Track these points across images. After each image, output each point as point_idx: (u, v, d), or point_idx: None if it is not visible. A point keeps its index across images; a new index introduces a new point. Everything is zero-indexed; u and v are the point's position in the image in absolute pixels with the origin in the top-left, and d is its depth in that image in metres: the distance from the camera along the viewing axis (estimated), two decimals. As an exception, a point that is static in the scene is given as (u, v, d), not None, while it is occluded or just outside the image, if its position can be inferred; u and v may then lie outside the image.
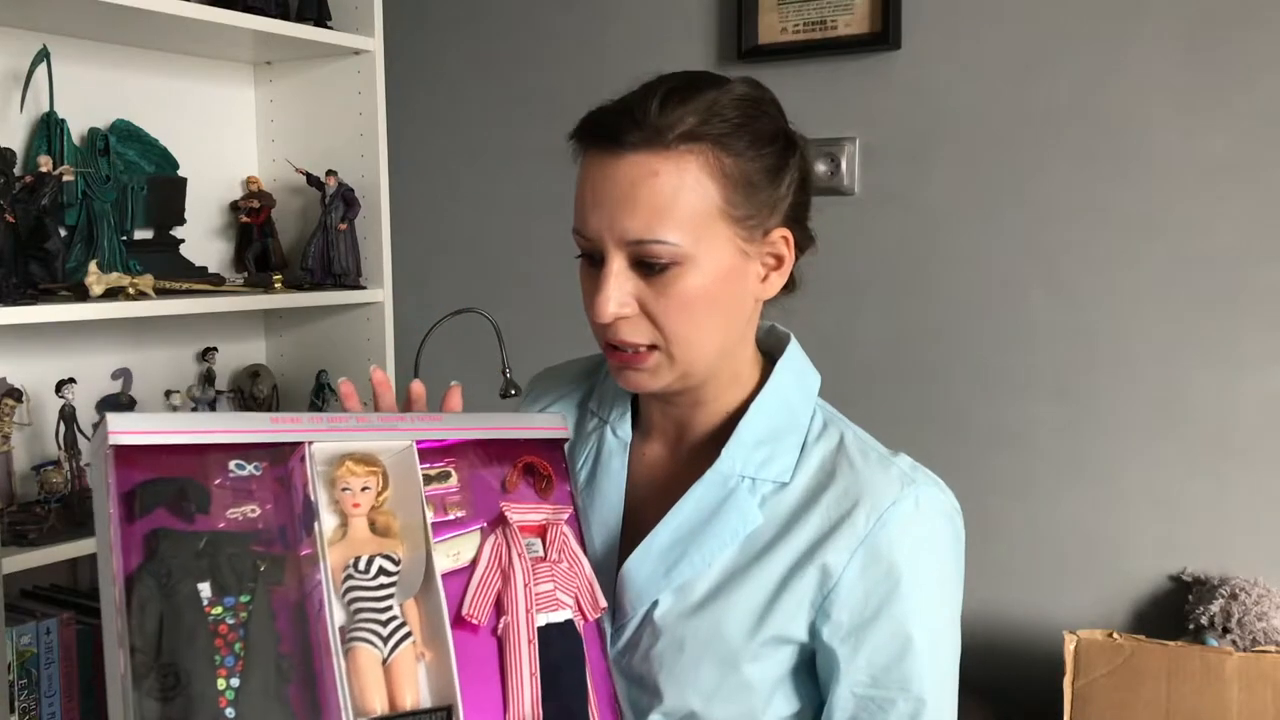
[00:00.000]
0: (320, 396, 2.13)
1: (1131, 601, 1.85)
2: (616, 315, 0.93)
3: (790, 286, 1.01)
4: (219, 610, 0.80)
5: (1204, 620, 1.70)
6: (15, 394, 1.74)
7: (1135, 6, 1.79)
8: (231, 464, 0.85)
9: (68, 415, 1.73)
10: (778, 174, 0.95)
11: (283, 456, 0.87)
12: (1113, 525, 1.85)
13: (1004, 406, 1.92)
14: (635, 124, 0.91)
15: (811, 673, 0.98)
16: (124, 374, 1.99)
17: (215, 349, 2.11)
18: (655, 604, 0.97)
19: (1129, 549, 1.84)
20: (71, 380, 1.74)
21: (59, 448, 1.74)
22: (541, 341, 2.28)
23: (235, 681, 0.79)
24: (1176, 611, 1.79)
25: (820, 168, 2.00)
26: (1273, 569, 1.74)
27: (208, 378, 2.08)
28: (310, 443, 0.88)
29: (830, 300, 1.97)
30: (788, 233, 0.97)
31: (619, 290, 0.93)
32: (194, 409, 2.01)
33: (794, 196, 0.97)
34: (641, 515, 1.03)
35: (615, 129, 0.92)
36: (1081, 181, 1.85)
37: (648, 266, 0.92)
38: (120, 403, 1.94)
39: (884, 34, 1.96)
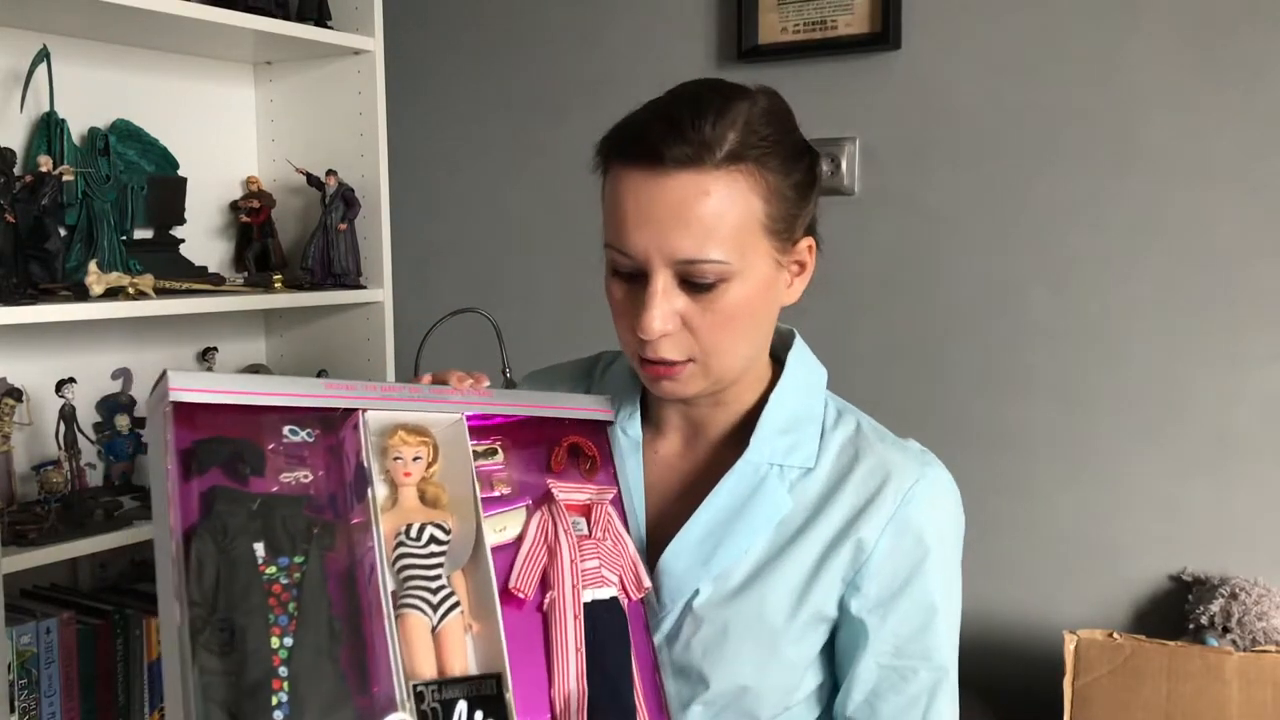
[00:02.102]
0: (320, 396, 2.12)
1: (1131, 601, 1.85)
2: (662, 332, 0.94)
3: None
4: (273, 570, 0.81)
5: (1204, 620, 1.70)
6: (15, 394, 1.74)
7: (1135, 6, 1.79)
8: (285, 429, 0.87)
9: (68, 415, 1.73)
10: (808, 188, 0.99)
11: (334, 425, 0.89)
12: (1113, 525, 1.85)
13: (1004, 406, 1.92)
14: (681, 140, 0.91)
15: (832, 648, 1.01)
16: (124, 374, 1.99)
17: (215, 349, 2.10)
18: (695, 594, 0.99)
19: (1129, 549, 1.84)
20: (71, 380, 1.74)
21: (59, 448, 1.73)
22: (541, 341, 2.29)
23: (289, 640, 0.80)
24: (1176, 611, 1.79)
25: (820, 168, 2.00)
26: (1273, 569, 1.74)
27: (208, 378, 2.08)
28: (364, 410, 0.89)
29: (830, 300, 1.97)
30: (812, 241, 1.01)
31: (666, 307, 0.94)
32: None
33: (815, 206, 1.01)
34: (663, 511, 1.05)
35: (658, 145, 0.91)
36: (1081, 181, 1.85)
37: (694, 283, 0.94)
38: (120, 402, 1.94)
39: (884, 34, 1.96)
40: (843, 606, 0.98)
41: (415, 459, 0.90)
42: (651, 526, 1.04)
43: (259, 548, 0.81)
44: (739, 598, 0.98)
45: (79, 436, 1.75)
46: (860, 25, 1.99)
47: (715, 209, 0.91)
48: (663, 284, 0.93)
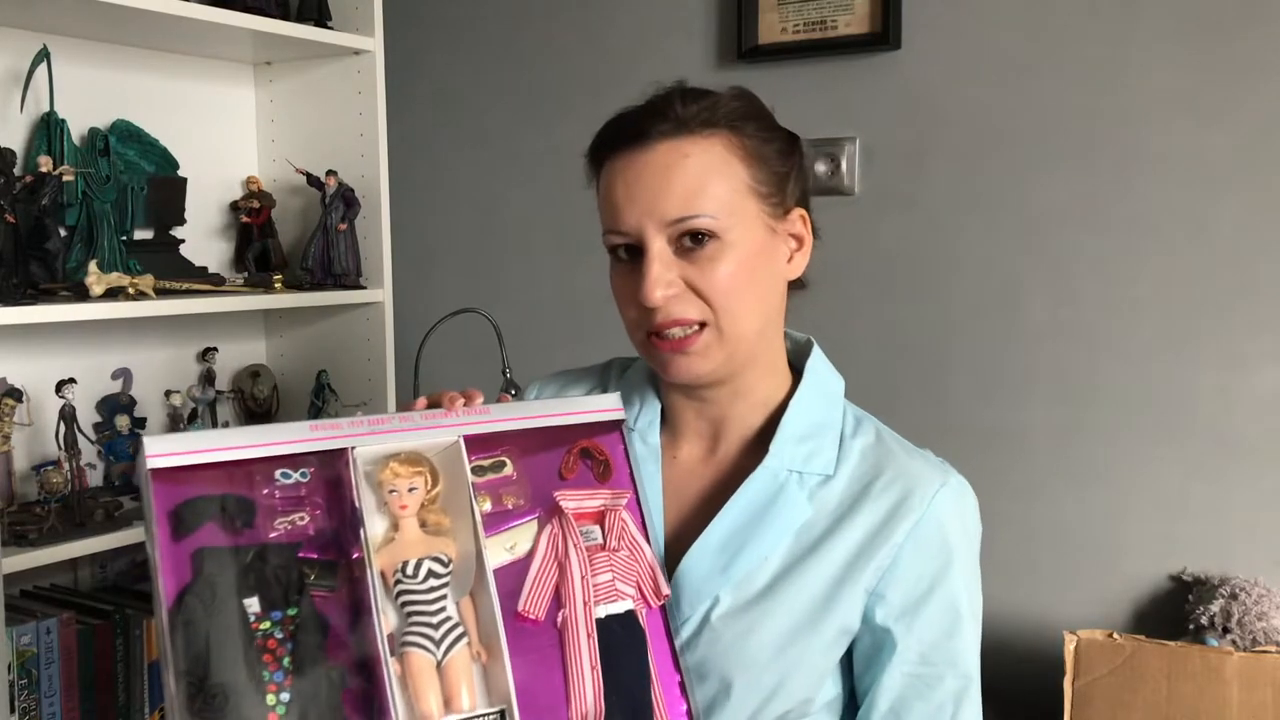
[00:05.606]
0: (320, 397, 2.13)
1: (1131, 601, 1.85)
2: (665, 297, 0.96)
3: (801, 283, 1.06)
4: (267, 625, 0.81)
5: (1204, 620, 1.70)
6: (15, 394, 1.74)
7: (1135, 7, 1.79)
8: (277, 473, 0.85)
9: (68, 415, 1.73)
10: (788, 156, 1.02)
11: (332, 459, 0.87)
12: (1113, 525, 1.85)
13: (1004, 407, 1.92)
14: (662, 117, 0.97)
15: (848, 658, 1.01)
16: (124, 374, 1.99)
17: (215, 349, 2.11)
18: (715, 601, 0.98)
19: (1129, 549, 1.84)
20: (71, 380, 1.74)
21: (59, 448, 1.73)
22: (541, 342, 2.29)
23: (285, 696, 0.79)
24: (1176, 611, 1.79)
25: (820, 168, 2.00)
26: (1273, 569, 1.73)
27: (208, 378, 2.08)
28: (353, 448, 0.87)
29: (829, 300, 1.97)
30: (804, 212, 1.04)
31: (664, 272, 0.96)
32: (194, 409, 2.01)
33: (802, 181, 1.04)
34: (682, 519, 1.04)
35: (641, 125, 0.97)
36: (1081, 181, 1.85)
37: (688, 247, 0.96)
38: (120, 403, 1.94)
39: (884, 34, 1.96)
40: (867, 617, 0.98)
41: (411, 490, 0.88)
42: (670, 534, 1.03)
43: (253, 603, 0.81)
44: (760, 605, 0.97)
45: (79, 436, 1.75)
46: (860, 25, 1.99)
47: (697, 169, 0.96)
48: (658, 249, 0.96)
